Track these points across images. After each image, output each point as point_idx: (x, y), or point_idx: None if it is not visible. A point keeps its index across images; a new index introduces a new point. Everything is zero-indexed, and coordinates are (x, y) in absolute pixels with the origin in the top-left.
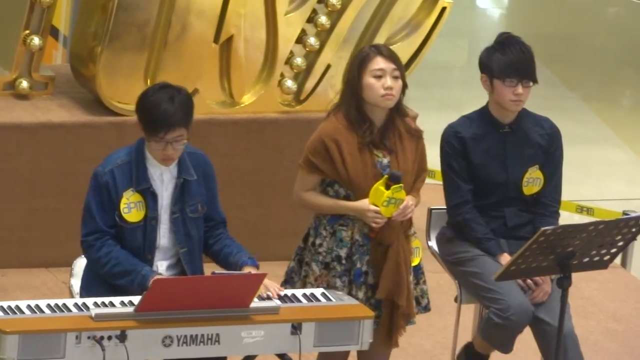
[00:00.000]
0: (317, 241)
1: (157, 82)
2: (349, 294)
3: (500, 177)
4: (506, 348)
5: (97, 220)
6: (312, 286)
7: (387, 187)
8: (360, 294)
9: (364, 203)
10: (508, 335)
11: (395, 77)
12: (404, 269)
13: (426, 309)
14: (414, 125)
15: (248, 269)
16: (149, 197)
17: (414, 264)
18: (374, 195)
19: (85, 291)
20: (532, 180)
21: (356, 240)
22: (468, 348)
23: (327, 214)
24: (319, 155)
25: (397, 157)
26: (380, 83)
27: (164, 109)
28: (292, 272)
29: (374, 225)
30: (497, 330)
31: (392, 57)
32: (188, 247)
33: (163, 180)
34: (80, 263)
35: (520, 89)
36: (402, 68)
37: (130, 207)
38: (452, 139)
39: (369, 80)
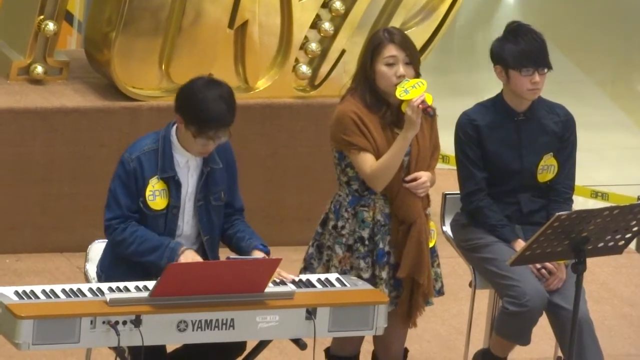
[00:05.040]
0: (340, 223)
1: (199, 76)
2: (372, 274)
3: (514, 165)
4: (523, 339)
5: (122, 205)
6: (336, 269)
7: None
8: (384, 274)
9: (406, 119)
10: (524, 324)
11: (408, 64)
12: (425, 248)
13: (440, 292)
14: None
15: (257, 253)
16: (173, 185)
17: (430, 245)
18: (403, 106)
19: (105, 275)
20: (547, 168)
21: (378, 221)
22: (485, 353)
23: (398, 163)
24: (350, 131)
25: (417, 135)
26: (392, 71)
27: (218, 110)
28: (311, 258)
29: (420, 107)
30: (512, 319)
31: (404, 45)
32: (210, 235)
33: (189, 167)
34: (95, 248)
35: (537, 77)
36: (416, 54)
37: (155, 195)
38: (467, 127)
39: (381, 68)
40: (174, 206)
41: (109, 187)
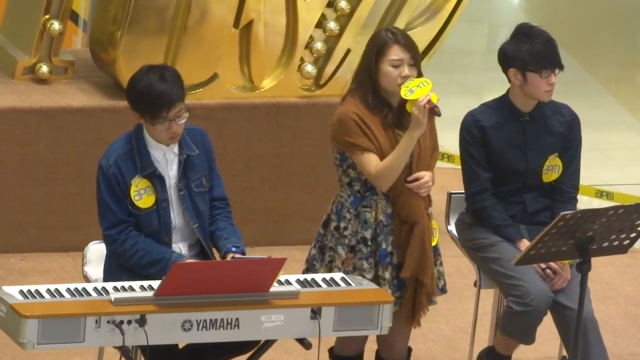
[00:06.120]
0: (342, 224)
1: (140, 67)
2: (376, 275)
3: (520, 165)
4: (528, 338)
5: (115, 211)
6: (339, 270)
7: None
8: (387, 275)
9: (412, 119)
10: (528, 323)
11: (412, 65)
12: (429, 247)
13: (443, 290)
14: None
15: (230, 257)
16: (156, 180)
17: (432, 244)
18: (408, 106)
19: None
20: (552, 168)
21: (380, 221)
22: (489, 352)
23: (403, 162)
24: (352, 132)
25: None
26: (397, 72)
27: (160, 89)
28: (314, 260)
29: (427, 106)
30: (517, 318)
31: (408, 46)
32: (199, 222)
33: (167, 160)
34: (93, 249)
35: (553, 78)
36: (418, 55)
37: (141, 194)
38: (472, 127)
39: (386, 68)
40: (162, 200)
41: (97, 197)
